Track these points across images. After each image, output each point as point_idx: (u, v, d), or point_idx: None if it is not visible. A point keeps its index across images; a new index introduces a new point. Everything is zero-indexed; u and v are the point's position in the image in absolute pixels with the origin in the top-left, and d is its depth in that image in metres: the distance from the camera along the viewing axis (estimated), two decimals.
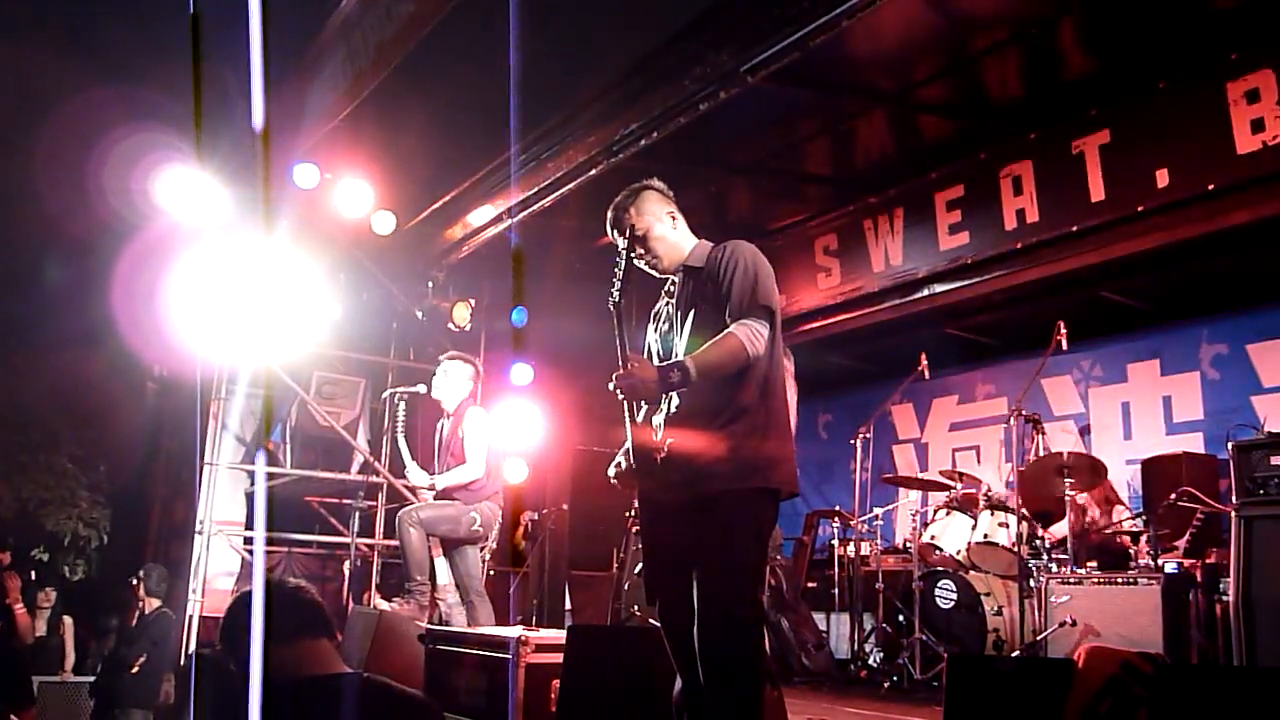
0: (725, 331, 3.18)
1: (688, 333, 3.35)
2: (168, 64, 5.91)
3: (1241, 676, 3.43)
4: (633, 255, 3.30)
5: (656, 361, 3.44)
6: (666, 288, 3.57)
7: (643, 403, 3.29)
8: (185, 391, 8.04)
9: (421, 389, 7.22)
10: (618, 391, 3.16)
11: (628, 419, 3.23)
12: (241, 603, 2.38)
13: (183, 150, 6.73)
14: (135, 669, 7.15)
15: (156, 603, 7.46)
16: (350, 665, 2.56)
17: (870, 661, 7.27)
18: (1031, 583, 6.18)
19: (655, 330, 3.54)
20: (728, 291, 3.26)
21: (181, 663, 7.13)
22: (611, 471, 3.37)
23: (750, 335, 3.16)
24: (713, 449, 3.15)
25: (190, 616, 7.35)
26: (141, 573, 7.50)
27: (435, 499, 6.07)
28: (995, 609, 6.67)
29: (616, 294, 3.22)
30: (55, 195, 7.74)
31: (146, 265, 7.30)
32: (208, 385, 7.84)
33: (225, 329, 6.86)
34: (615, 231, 3.44)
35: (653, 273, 3.50)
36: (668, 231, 3.44)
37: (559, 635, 4.47)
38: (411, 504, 6.25)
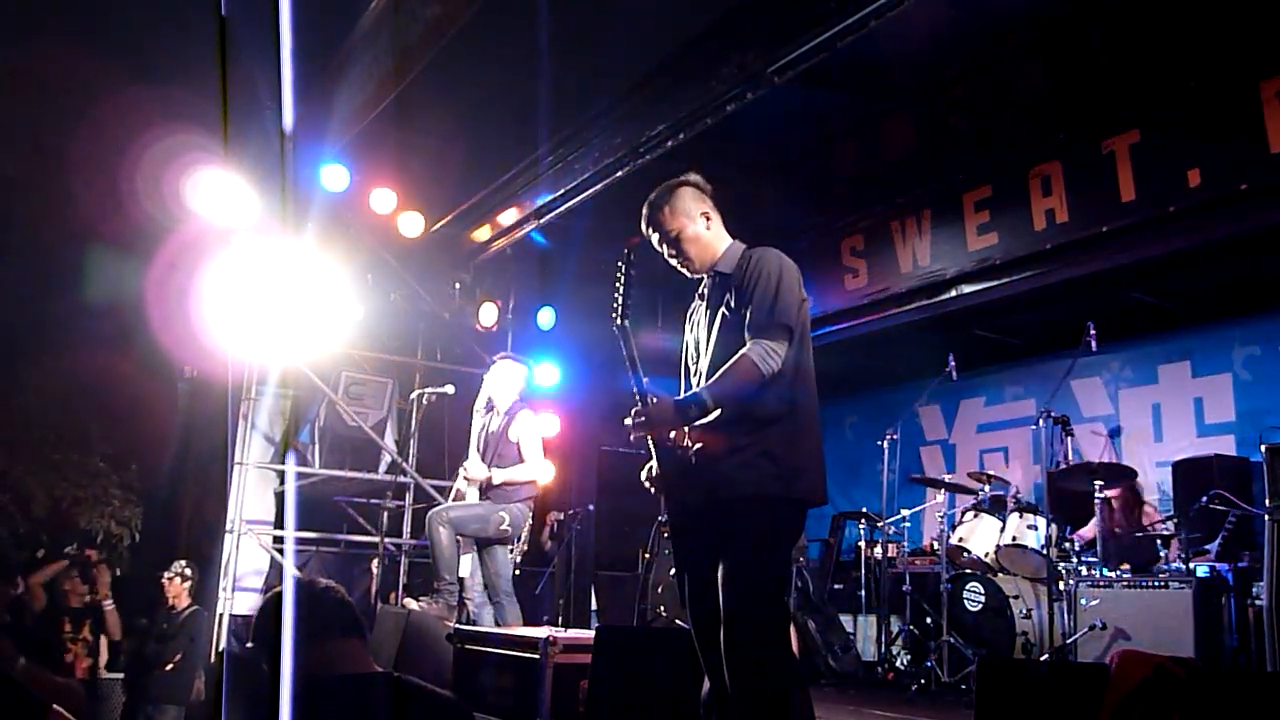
0: (739, 354, 3.17)
1: (714, 342, 3.35)
2: (201, 67, 5.95)
3: (1276, 682, 3.40)
4: (623, 268, 3.26)
5: (694, 364, 3.45)
6: (699, 290, 3.57)
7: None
8: (216, 392, 8.10)
9: (450, 390, 7.26)
10: (635, 427, 3.17)
11: (652, 447, 3.24)
12: (275, 602, 2.40)
13: (214, 152, 6.78)
14: (170, 666, 7.22)
15: (189, 600, 7.53)
16: (379, 665, 2.58)
17: (897, 664, 7.24)
18: (1061, 586, 6.14)
19: (691, 333, 3.55)
20: (748, 306, 3.25)
21: (212, 660, 7.19)
22: (645, 476, 3.37)
23: (763, 354, 3.15)
24: (737, 457, 3.15)
25: (220, 615, 7.42)
26: (172, 569, 7.57)
27: (484, 492, 6.07)
28: (1024, 612, 6.63)
29: (619, 317, 3.22)
30: (87, 196, 7.81)
31: (178, 266, 7.37)
32: (238, 385, 7.91)
33: (255, 330, 6.92)
34: (648, 228, 3.46)
35: (684, 272, 3.50)
36: (702, 232, 3.44)
37: (587, 636, 4.48)
38: (441, 504, 6.28)
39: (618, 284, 3.23)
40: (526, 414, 6.23)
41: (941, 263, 7.51)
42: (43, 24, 6.57)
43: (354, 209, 7.82)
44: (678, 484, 3.25)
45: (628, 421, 3.19)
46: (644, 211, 3.47)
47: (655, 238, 3.45)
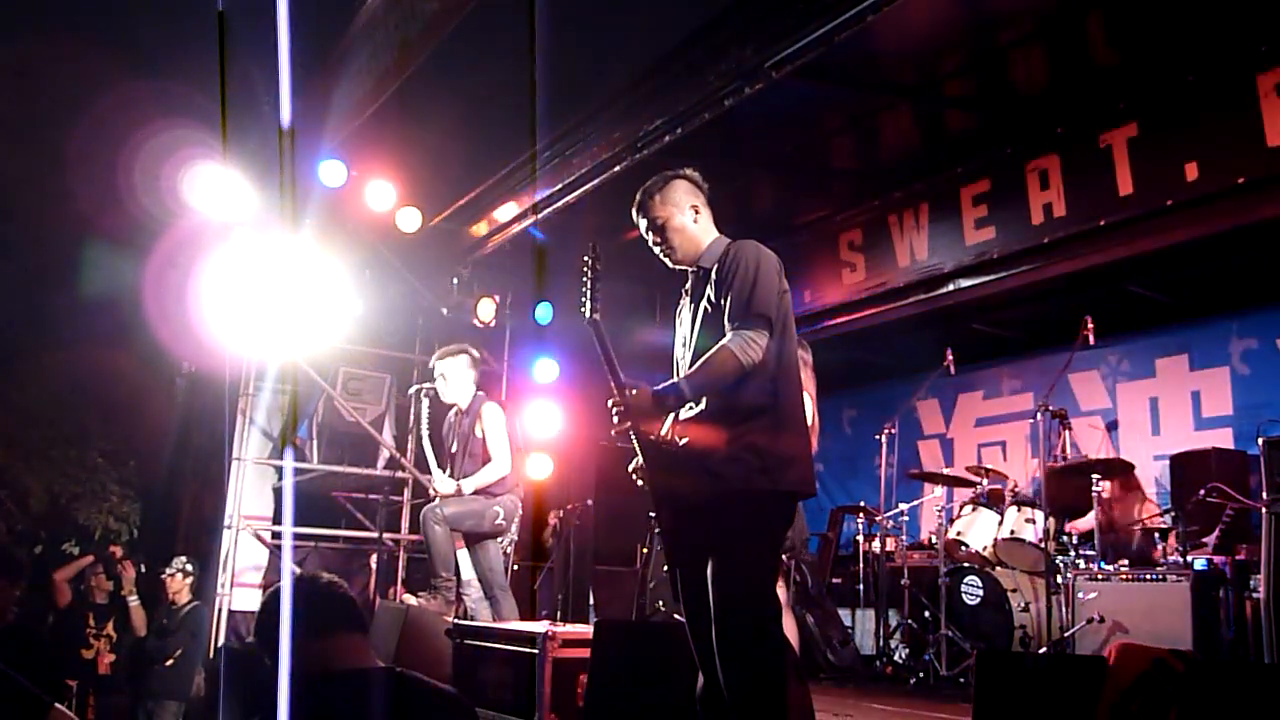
0: (719, 344, 3.18)
1: (696, 336, 3.36)
2: (198, 61, 5.95)
3: (1274, 674, 3.41)
4: (589, 263, 3.26)
5: (681, 359, 3.46)
6: (685, 285, 3.57)
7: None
8: (214, 387, 8.10)
9: None
10: (615, 419, 3.19)
11: (635, 440, 3.24)
12: (277, 598, 2.40)
13: (211, 147, 6.77)
14: (171, 661, 7.23)
15: (189, 596, 7.54)
16: (379, 660, 2.58)
17: (896, 658, 7.26)
18: (1059, 579, 6.16)
19: (679, 329, 3.56)
20: (727, 298, 3.26)
21: (210, 655, 7.20)
22: (632, 466, 3.38)
23: (743, 345, 3.15)
24: (723, 450, 3.15)
25: (219, 610, 7.43)
26: (173, 565, 7.58)
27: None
28: (1022, 605, 6.64)
29: (588, 310, 3.22)
30: (84, 192, 7.80)
31: (175, 262, 7.36)
32: (236, 381, 7.91)
33: (253, 325, 6.92)
34: (638, 214, 3.49)
35: (665, 261, 3.51)
36: (687, 223, 3.45)
37: (586, 630, 4.49)
38: (435, 500, 6.28)
39: (584, 280, 3.24)
40: (489, 407, 6.18)
41: (939, 257, 7.52)
42: (40, 19, 6.56)
43: (352, 204, 7.80)
44: (667, 479, 3.25)
45: (611, 413, 3.20)
46: (636, 197, 3.49)
47: (643, 224, 3.47)
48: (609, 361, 3.20)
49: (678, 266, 3.52)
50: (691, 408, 3.26)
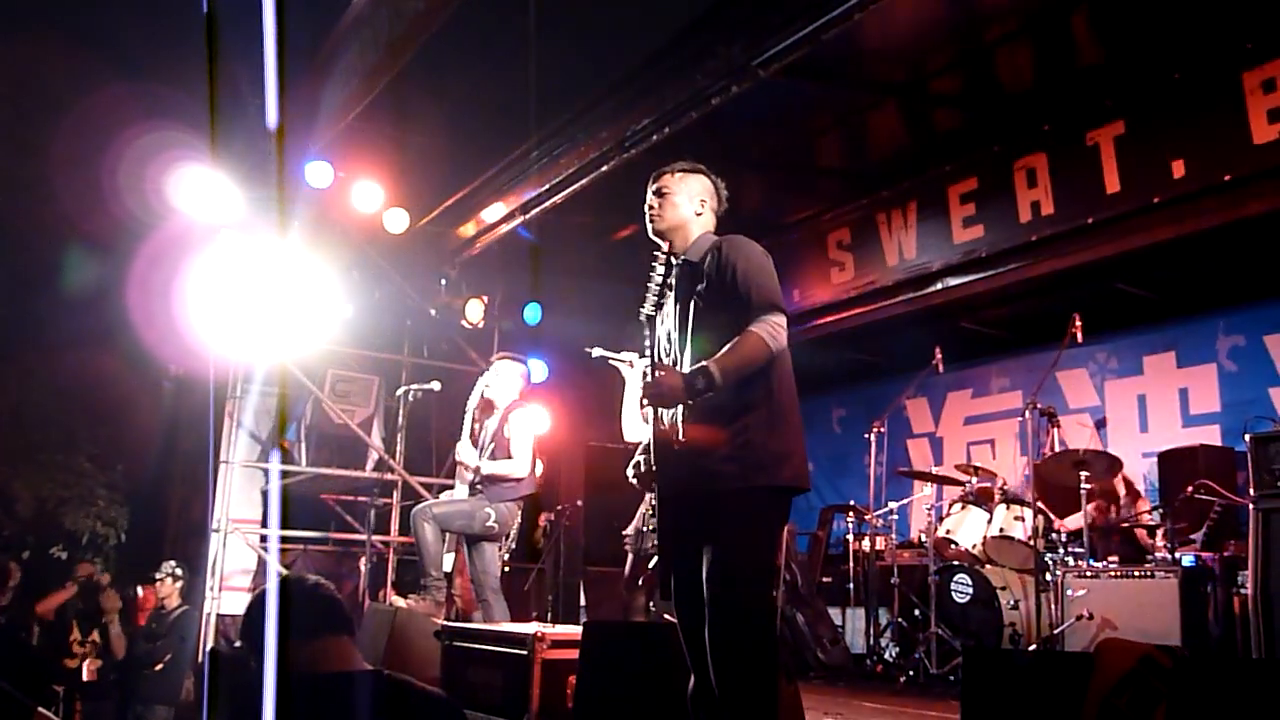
0: (746, 331, 3.15)
1: (691, 333, 3.33)
2: (183, 62, 5.93)
3: (1262, 669, 3.41)
4: (657, 267, 3.31)
5: (667, 357, 3.44)
6: (665, 279, 3.52)
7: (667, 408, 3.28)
8: (201, 390, 8.07)
9: (436, 386, 7.23)
10: (644, 400, 3.18)
11: (652, 421, 3.23)
12: (262, 600, 2.38)
13: (198, 149, 6.75)
14: (160, 666, 7.19)
15: (179, 600, 7.50)
16: (367, 663, 2.56)
17: (886, 656, 7.26)
18: (1048, 576, 6.16)
19: (659, 327, 3.53)
20: (744, 290, 3.22)
21: (199, 659, 7.17)
22: (630, 471, 3.36)
23: (771, 332, 3.13)
24: (721, 446, 3.13)
25: (208, 614, 7.39)
26: (163, 570, 7.54)
27: (474, 483, 6.05)
28: (1011, 603, 6.65)
29: (650, 308, 3.29)
30: (70, 194, 7.76)
31: (162, 264, 7.33)
32: (223, 384, 7.88)
33: (240, 327, 6.89)
34: (654, 179, 3.52)
35: (647, 225, 3.51)
36: (685, 207, 3.45)
37: (575, 631, 4.48)
38: (426, 500, 6.26)
39: (653, 277, 3.34)
40: (522, 412, 6.18)
41: (927, 255, 7.53)
42: (25, 20, 6.52)
43: (339, 205, 7.78)
44: (666, 476, 3.24)
45: (639, 395, 3.22)
46: (664, 164, 3.54)
47: (652, 187, 3.49)
48: (652, 354, 3.29)
49: (654, 237, 3.50)
50: (688, 404, 3.23)
